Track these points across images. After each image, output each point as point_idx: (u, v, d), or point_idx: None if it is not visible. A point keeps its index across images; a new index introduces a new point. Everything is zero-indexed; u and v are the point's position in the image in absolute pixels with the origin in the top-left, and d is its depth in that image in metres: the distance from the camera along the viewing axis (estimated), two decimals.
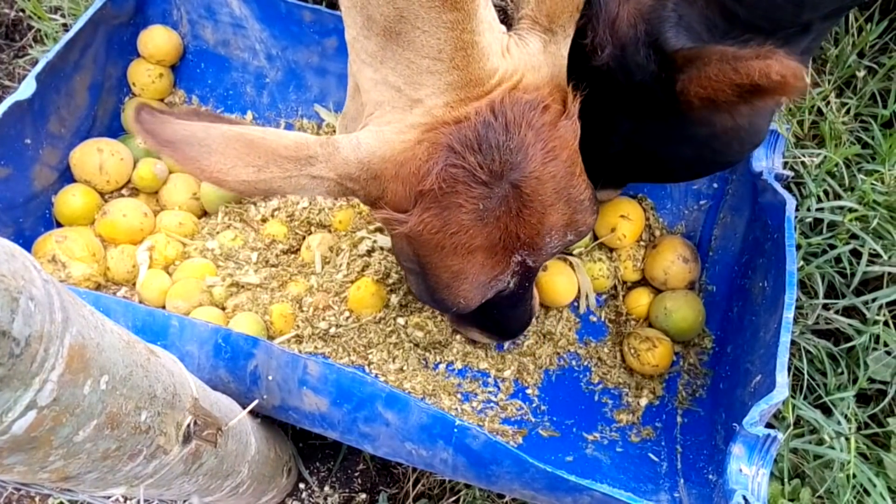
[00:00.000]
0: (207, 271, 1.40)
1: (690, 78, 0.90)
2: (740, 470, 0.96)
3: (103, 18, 1.49)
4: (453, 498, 1.32)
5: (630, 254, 1.49)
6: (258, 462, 1.06)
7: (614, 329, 1.48)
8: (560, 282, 1.41)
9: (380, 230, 1.46)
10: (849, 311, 1.39)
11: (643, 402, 1.38)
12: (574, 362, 1.44)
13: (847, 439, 1.23)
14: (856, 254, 1.38)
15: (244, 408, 0.97)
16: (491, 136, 0.86)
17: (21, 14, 1.91)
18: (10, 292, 0.43)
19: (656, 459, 1.31)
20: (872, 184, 1.41)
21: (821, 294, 1.37)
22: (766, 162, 1.35)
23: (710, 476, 1.19)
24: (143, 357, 0.67)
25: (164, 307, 1.36)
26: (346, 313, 1.36)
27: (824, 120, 1.53)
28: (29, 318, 0.45)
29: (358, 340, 1.34)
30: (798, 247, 1.35)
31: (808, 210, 1.42)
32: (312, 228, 1.50)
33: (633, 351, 1.40)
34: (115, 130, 1.62)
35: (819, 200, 1.43)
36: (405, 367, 1.34)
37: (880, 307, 1.33)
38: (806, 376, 1.33)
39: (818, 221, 1.43)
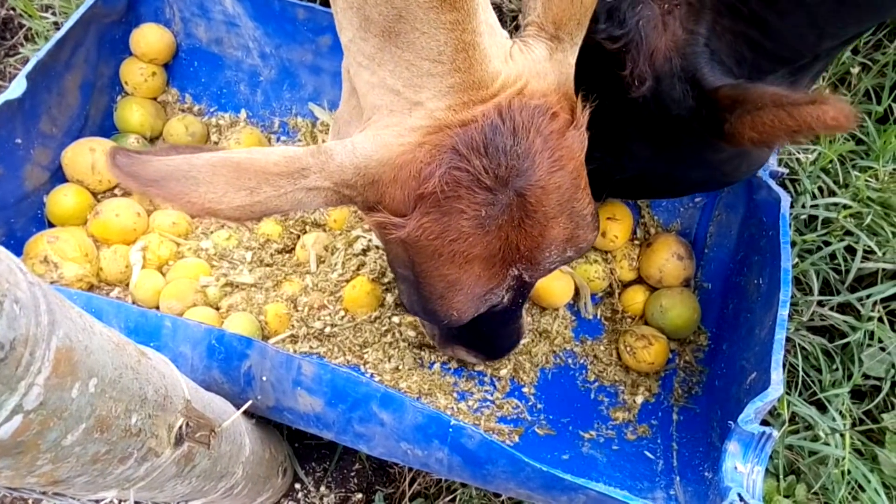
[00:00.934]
0: (201, 271, 1.39)
1: (744, 122, 0.90)
2: (735, 467, 0.96)
3: (95, 17, 1.48)
4: (450, 497, 1.32)
5: (625, 253, 1.49)
6: (253, 463, 1.05)
7: (610, 327, 1.48)
8: (556, 285, 1.41)
9: None
10: (843, 308, 1.39)
11: (639, 399, 1.38)
12: (570, 360, 1.44)
13: (842, 435, 1.23)
14: (850, 250, 1.38)
15: (238, 409, 0.96)
16: (498, 139, 0.82)
17: (12, 12, 1.89)
18: None
19: (652, 457, 1.31)
20: (867, 180, 1.41)
21: (815, 291, 1.37)
22: None
23: (706, 473, 1.19)
24: (134, 359, 0.66)
25: (157, 308, 1.35)
26: (342, 312, 1.35)
27: None
28: (13, 321, 0.45)
29: (353, 340, 1.34)
30: (793, 244, 1.35)
31: (803, 207, 1.42)
32: (307, 227, 1.50)
33: (628, 349, 1.40)
34: (108, 130, 1.61)
35: (813, 197, 1.43)
36: (401, 367, 1.33)
37: (875, 303, 1.33)
38: (801, 373, 1.33)
39: (813, 218, 1.43)
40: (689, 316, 1.40)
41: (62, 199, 1.43)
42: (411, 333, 1.36)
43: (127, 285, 1.40)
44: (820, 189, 1.45)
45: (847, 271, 1.36)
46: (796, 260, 1.38)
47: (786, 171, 1.35)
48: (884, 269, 1.35)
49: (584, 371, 1.42)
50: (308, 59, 1.63)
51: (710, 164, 1.10)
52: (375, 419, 0.99)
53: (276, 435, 1.27)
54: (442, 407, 1.31)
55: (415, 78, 0.83)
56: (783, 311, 1.10)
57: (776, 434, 0.96)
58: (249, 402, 0.99)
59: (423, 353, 1.38)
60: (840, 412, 1.27)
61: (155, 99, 1.65)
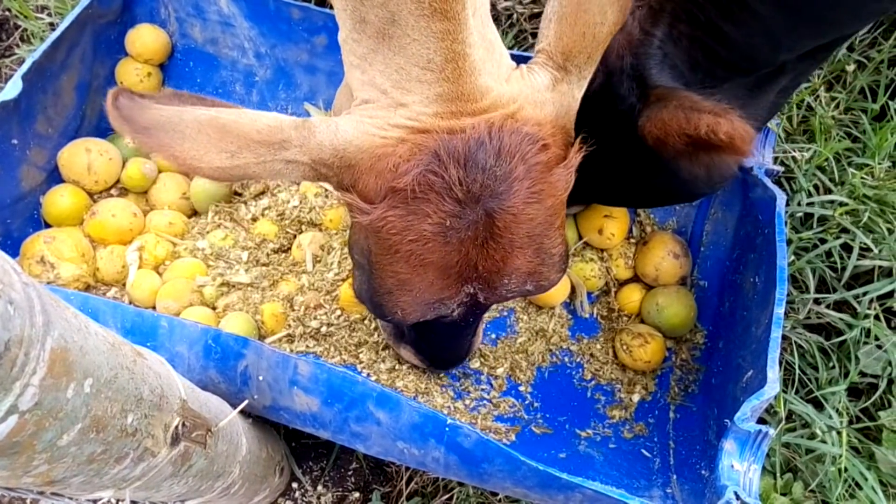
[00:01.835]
0: (198, 271, 1.39)
1: (649, 116, 0.91)
2: (732, 466, 0.96)
3: (90, 17, 1.48)
4: (446, 496, 1.32)
5: (621, 251, 1.49)
6: (250, 462, 1.05)
7: (606, 325, 1.48)
8: None
9: None
10: (840, 306, 1.39)
11: (636, 398, 1.38)
12: (566, 359, 1.44)
13: (839, 433, 1.23)
14: (846, 248, 1.38)
15: (235, 408, 0.96)
16: (481, 155, 0.82)
17: (7, 13, 1.89)
18: None
19: (649, 455, 1.31)
20: (862, 178, 1.42)
21: (812, 289, 1.37)
22: (757, 157, 1.35)
23: (703, 472, 1.19)
24: (129, 359, 0.66)
25: (154, 308, 1.35)
26: (338, 312, 1.35)
27: (814, 114, 1.54)
28: (8, 321, 0.45)
29: (349, 339, 1.34)
30: (789, 242, 1.35)
31: (799, 205, 1.43)
32: (303, 227, 1.50)
33: (625, 347, 1.40)
34: (104, 130, 1.60)
35: (809, 195, 1.44)
36: (397, 366, 1.33)
37: (871, 301, 1.33)
38: (797, 371, 1.33)
39: (809, 216, 1.43)
40: (685, 314, 1.40)
41: (58, 200, 1.43)
42: None
43: (123, 285, 1.40)
44: (816, 187, 1.46)
45: (843, 269, 1.36)
46: (792, 258, 1.38)
47: (781, 168, 1.35)
48: (880, 267, 1.35)
49: (580, 370, 1.43)
50: (303, 59, 1.63)
51: (667, 172, 1.09)
52: (372, 418, 0.99)
53: (272, 434, 1.27)
54: (439, 406, 1.31)
55: (403, 81, 0.83)
56: (779, 309, 1.10)
57: (773, 432, 0.97)
58: (246, 402, 0.99)
59: None
60: (837, 410, 1.28)
61: None
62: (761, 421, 1.05)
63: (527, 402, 1.38)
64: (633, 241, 1.52)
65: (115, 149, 1.51)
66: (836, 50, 1.60)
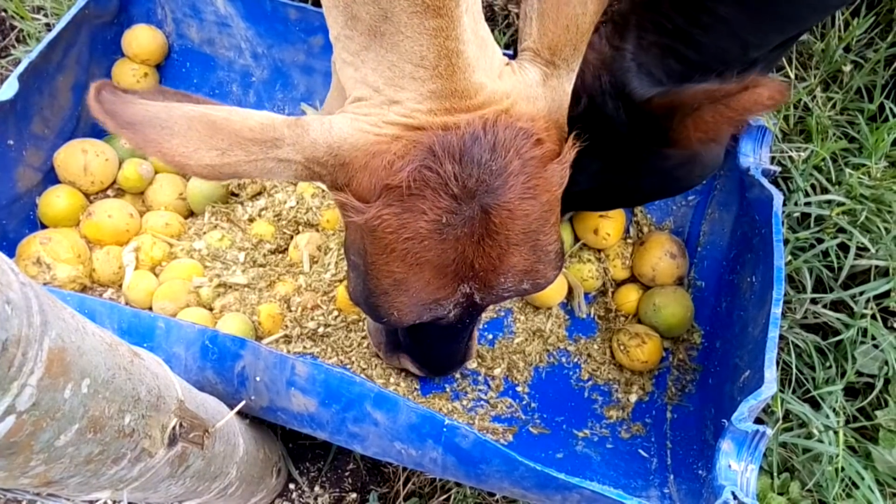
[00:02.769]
0: (194, 272, 1.39)
1: (686, 125, 0.91)
2: (729, 465, 0.96)
3: (86, 18, 1.48)
4: (444, 496, 1.32)
5: (618, 251, 1.49)
6: (247, 463, 1.05)
7: (604, 325, 1.48)
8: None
9: None
10: (836, 305, 1.39)
11: (633, 398, 1.39)
12: (564, 359, 1.44)
13: (835, 433, 1.24)
14: (843, 248, 1.38)
15: (232, 409, 0.96)
16: (476, 150, 0.81)
17: (3, 14, 1.88)
18: None
19: (646, 455, 1.31)
20: (859, 177, 1.42)
21: (809, 288, 1.37)
22: (754, 157, 1.35)
23: (700, 472, 1.19)
24: (127, 359, 0.66)
25: (151, 309, 1.35)
26: (335, 312, 1.35)
27: (811, 115, 1.54)
28: (5, 321, 0.45)
29: (346, 340, 1.33)
30: (786, 241, 1.36)
31: (796, 205, 1.43)
32: (300, 228, 1.49)
33: (622, 347, 1.40)
34: (100, 131, 1.60)
35: (806, 195, 1.44)
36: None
37: (868, 301, 1.33)
38: (794, 370, 1.33)
39: (806, 216, 1.44)
40: (682, 314, 1.40)
41: (55, 201, 1.42)
42: None
43: (120, 286, 1.40)
44: (813, 187, 1.46)
45: (840, 269, 1.37)
46: (789, 258, 1.38)
47: (778, 168, 1.36)
48: (877, 267, 1.35)
49: (577, 370, 1.43)
50: (300, 60, 1.63)
51: (661, 172, 1.12)
52: (369, 419, 0.99)
53: (270, 435, 1.27)
54: (436, 406, 1.31)
55: (397, 79, 0.82)
56: (776, 309, 1.10)
57: (770, 432, 0.97)
58: (243, 403, 0.99)
59: None
60: (834, 409, 1.28)
61: None
62: (758, 421, 1.05)
63: (524, 402, 1.38)
64: (630, 241, 1.52)
65: (112, 150, 1.51)
66: (833, 51, 1.60)
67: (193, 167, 0.79)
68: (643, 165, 1.10)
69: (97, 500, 0.74)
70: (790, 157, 1.47)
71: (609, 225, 1.46)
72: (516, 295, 0.96)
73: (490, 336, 1.44)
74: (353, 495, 1.36)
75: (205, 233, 1.47)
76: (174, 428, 0.75)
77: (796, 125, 1.57)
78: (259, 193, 1.55)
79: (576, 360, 1.44)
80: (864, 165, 1.45)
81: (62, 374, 0.52)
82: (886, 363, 1.29)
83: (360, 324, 1.36)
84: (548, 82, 0.88)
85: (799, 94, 1.56)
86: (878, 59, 1.58)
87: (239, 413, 0.98)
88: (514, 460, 0.93)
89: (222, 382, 1.04)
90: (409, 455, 1.01)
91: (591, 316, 1.49)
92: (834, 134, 1.52)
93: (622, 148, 1.06)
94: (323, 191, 1.51)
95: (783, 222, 1.30)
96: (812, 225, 1.41)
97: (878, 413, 1.27)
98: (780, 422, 1.26)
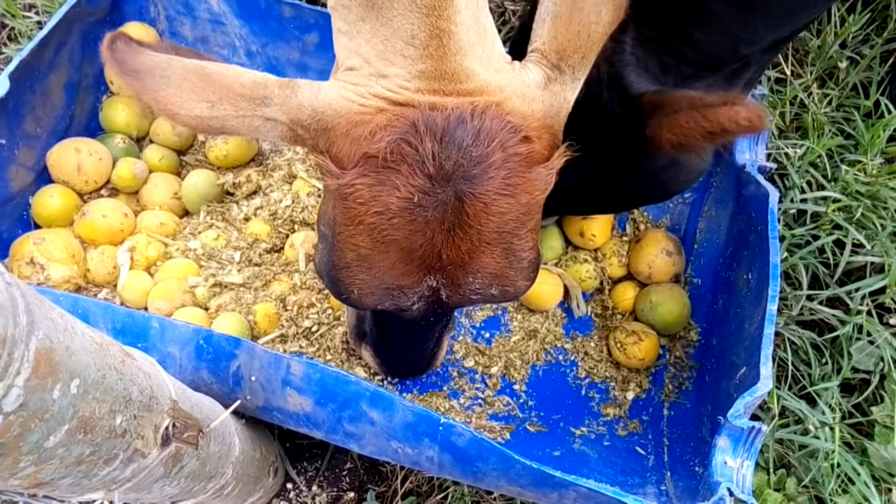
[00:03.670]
0: (190, 272, 1.39)
1: (661, 124, 0.91)
2: (725, 462, 0.96)
3: (78, 16, 1.47)
4: (441, 495, 1.32)
5: (614, 249, 1.49)
6: (243, 463, 1.05)
7: (601, 323, 1.48)
8: (544, 290, 1.42)
9: None
10: (832, 302, 1.39)
11: (630, 395, 1.38)
12: (561, 357, 1.43)
13: (831, 429, 1.24)
14: (839, 244, 1.38)
15: (227, 409, 0.95)
16: (458, 133, 0.79)
17: None
18: None
19: (643, 453, 1.31)
20: (855, 174, 1.42)
21: (805, 285, 1.37)
22: (750, 154, 1.35)
23: (697, 468, 1.19)
24: (118, 360, 0.66)
25: (146, 309, 1.34)
26: (329, 311, 1.35)
27: (807, 111, 1.54)
28: None
29: (342, 339, 1.33)
30: (782, 238, 1.35)
31: (792, 201, 1.43)
32: (296, 226, 1.49)
33: (619, 345, 1.40)
34: (93, 130, 1.59)
35: (802, 191, 1.44)
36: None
37: (863, 297, 1.33)
38: (790, 367, 1.33)
39: (802, 212, 1.43)
40: (678, 312, 1.40)
41: (48, 201, 1.42)
42: None
43: (115, 286, 1.39)
44: (809, 183, 1.46)
45: (836, 265, 1.37)
46: (785, 254, 1.38)
47: (774, 165, 1.36)
48: (872, 263, 1.35)
49: (574, 368, 1.42)
50: (295, 58, 1.62)
51: (647, 173, 1.12)
52: (365, 418, 0.99)
53: (266, 435, 1.26)
54: (433, 405, 1.31)
55: (388, 53, 0.82)
56: (772, 306, 1.10)
57: (765, 429, 0.97)
58: (238, 403, 0.99)
59: None
60: (829, 406, 1.28)
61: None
62: (755, 417, 1.05)
63: (521, 400, 1.37)
64: (626, 238, 1.52)
65: (105, 149, 1.50)
66: (829, 47, 1.60)
67: (183, 117, 0.80)
68: (631, 163, 1.09)
69: (90, 502, 0.73)
70: (786, 154, 1.47)
71: (594, 226, 1.45)
72: (483, 300, 0.93)
73: (487, 334, 1.43)
74: (351, 494, 1.35)
75: (200, 232, 1.47)
76: (167, 428, 0.74)
77: (792, 122, 1.57)
78: (254, 192, 1.54)
79: (573, 357, 1.43)
80: (859, 162, 1.45)
81: (50, 375, 0.52)
82: (882, 359, 1.29)
83: None
84: (549, 86, 0.86)
85: (795, 91, 1.56)
86: (874, 55, 1.58)
87: (235, 413, 0.98)
88: (511, 458, 0.93)
89: (217, 382, 1.04)
90: (405, 454, 1.00)
91: (588, 314, 1.49)
92: (830, 130, 1.52)
93: (612, 142, 1.06)
94: (319, 190, 1.51)
95: (779, 219, 1.30)
96: (808, 221, 1.41)
97: (873, 409, 1.27)
98: (777, 418, 1.26)
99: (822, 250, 1.38)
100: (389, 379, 1.34)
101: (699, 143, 0.88)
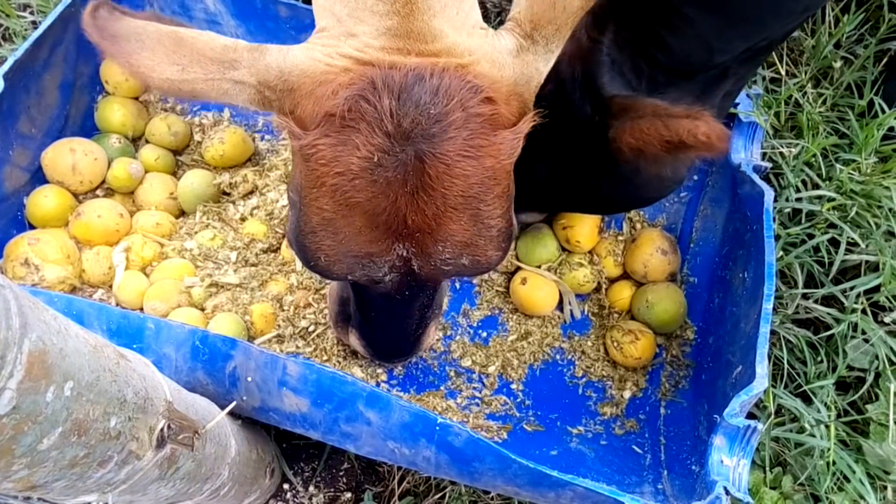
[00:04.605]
0: (186, 272, 1.38)
1: (623, 127, 0.92)
2: (721, 461, 0.96)
3: (73, 15, 1.46)
4: (439, 495, 1.32)
5: (610, 249, 1.49)
6: (239, 464, 1.05)
7: (597, 322, 1.48)
8: (539, 295, 1.42)
9: None
10: (827, 300, 1.40)
11: (627, 394, 1.39)
12: (558, 356, 1.44)
13: (827, 427, 1.24)
14: (834, 243, 1.39)
15: (223, 410, 0.95)
16: (417, 90, 0.78)
17: None
18: None
19: (640, 451, 1.31)
20: (850, 173, 1.42)
21: (800, 284, 1.38)
22: (745, 153, 1.36)
23: (694, 467, 1.19)
24: (112, 361, 0.65)
25: (141, 309, 1.34)
26: (327, 311, 1.35)
27: (801, 111, 1.54)
28: None
29: (335, 339, 1.33)
30: (777, 237, 1.36)
31: (787, 200, 1.43)
32: None
33: (616, 344, 1.40)
34: (88, 130, 1.59)
35: (797, 191, 1.44)
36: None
37: (858, 296, 1.34)
38: (786, 365, 1.34)
39: (797, 212, 1.44)
40: (675, 310, 1.40)
41: (42, 201, 1.41)
42: None
43: (110, 287, 1.39)
44: (804, 182, 1.46)
45: (831, 264, 1.37)
46: (781, 253, 1.38)
47: (769, 165, 1.36)
48: (867, 262, 1.36)
49: (571, 367, 1.43)
50: None
51: (618, 177, 1.10)
52: (362, 418, 0.99)
53: (263, 435, 1.26)
54: (430, 405, 1.31)
55: (359, 10, 0.82)
56: (768, 305, 1.10)
57: (761, 427, 0.97)
58: (234, 403, 0.98)
59: None
60: (825, 404, 1.28)
61: (136, 98, 1.63)
62: (750, 416, 1.06)
63: (518, 399, 1.37)
64: (622, 238, 1.52)
65: (101, 149, 1.49)
66: (824, 47, 1.61)
67: (155, 80, 0.82)
68: (601, 164, 1.09)
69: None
70: (781, 154, 1.47)
71: (576, 233, 1.45)
72: (456, 272, 0.92)
73: (484, 334, 1.43)
74: (348, 495, 1.35)
75: (196, 232, 1.46)
76: (163, 430, 0.74)
77: (787, 121, 1.57)
78: (251, 192, 1.54)
79: (570, 357, 1.44)
80: (854, 161, 1.45)
81: (44, 377, 0.51)
82: (877, 357, 1.29)
83: None
84: (521, 55, 0.86)
85: (789, 91, 1.56)
86: (868, 55, 1.58)
87: (231, 413, 0.98)
88: (507, 458, 0.93)
89: (213, 383, 1.04)
90: (402, 454, 1.00)
91: (585, 313, 1.49)
92: (824, 130, 1.53)
93: (582, 141, 1.05)
94: None
95: (774, 218, 1.30)
96: (803, 221, 1.42)
97: (868, 407, 1.28)
98: (772, 416, 1.26)
99: (817, 249, 1.39)
100: (387, 378, 1.34)
101: (657, 152, 0.88)
